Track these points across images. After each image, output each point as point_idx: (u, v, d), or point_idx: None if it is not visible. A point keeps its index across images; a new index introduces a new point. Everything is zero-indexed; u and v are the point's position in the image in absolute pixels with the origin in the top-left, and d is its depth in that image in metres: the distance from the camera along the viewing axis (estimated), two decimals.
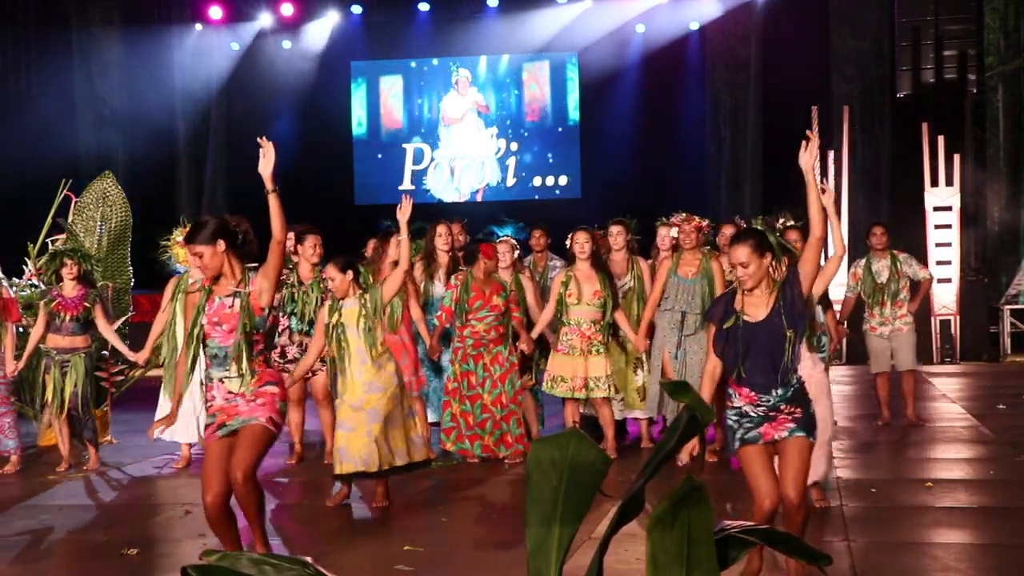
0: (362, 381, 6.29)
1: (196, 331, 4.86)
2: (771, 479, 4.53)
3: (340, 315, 6.33)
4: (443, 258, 8.24)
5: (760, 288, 4.56)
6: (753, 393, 4.53)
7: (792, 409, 4.54)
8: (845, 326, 9.09)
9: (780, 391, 4.52)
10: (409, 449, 6.43)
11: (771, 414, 4.53)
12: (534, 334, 7.82)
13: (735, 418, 4.58)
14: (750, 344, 4.53)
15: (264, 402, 4.84)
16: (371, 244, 8.38)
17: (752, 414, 4.54)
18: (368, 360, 6.30)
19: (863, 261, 9.21)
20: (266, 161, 4.97)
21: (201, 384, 7.39)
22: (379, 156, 19.83)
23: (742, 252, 4.55)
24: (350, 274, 6.36)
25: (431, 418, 8.23)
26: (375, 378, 6.31)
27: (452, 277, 7.94)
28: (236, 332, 4.80)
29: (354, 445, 6.26)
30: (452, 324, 7.79)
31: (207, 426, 4.93)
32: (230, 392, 4.84)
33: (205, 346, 4.88)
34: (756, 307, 4.57)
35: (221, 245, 4.85)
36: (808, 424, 4.56)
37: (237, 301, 4.83)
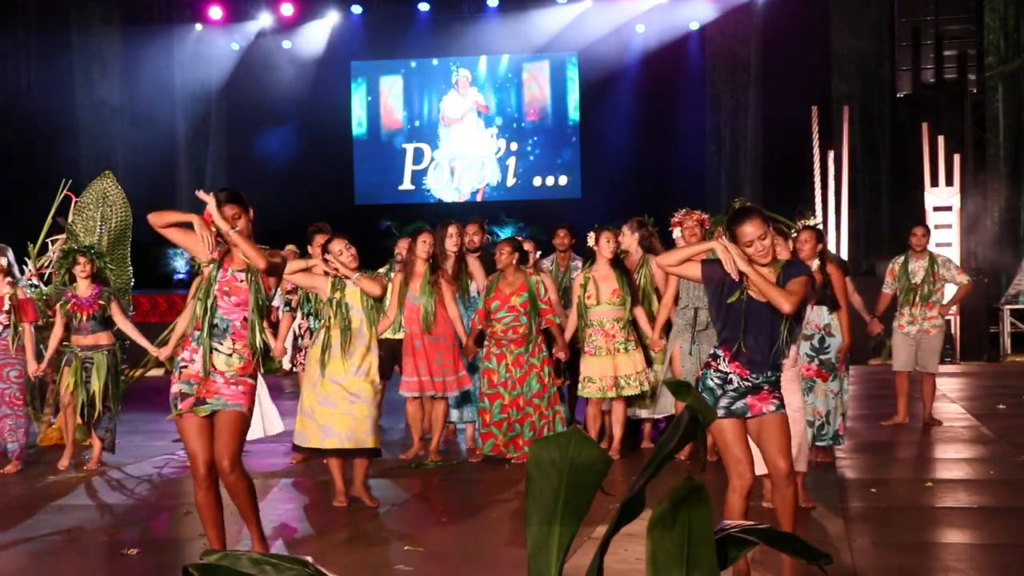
0: (352, 363, 6.30)
1: (209, 301, 4.88)
2: (749, 453, 4.62)
3: (343, 293, 6.34)
4: (449, 260, 8.21)
5: (767, 268, 4.56)
6: (746, 369, 4.55)
7: (774, 391, 4.62)
8: (880, 321, 9.04)
9: (770, 373, 4.58)
10: (373, 436, 6.40)
11: (755, 389, 4.59)
12: (566, 337, 7.79)
13: (718, 381, 4.60)
14: (750, 322, 4.53)
15: (245, 391, 4.88)
16: (402, 244, 8.39)
17: (737, 384, 4.58)
18: (365, 341, 6.31)
19: (901, 259, 9.19)
20: (210, 208, 4.87)
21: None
22: (379, 156, 19.84)
23: (756, 224, 4.49)
24: (352, 248, 6.40)
25: (469, 418, 8.23)
26: (363, 361, 6.33)
27: (486, 278, 7.97)
28: (249, 308, 4.87)
29: (338, 423, 6.28)
30: (484, 325, 7.79)
31: (183, 395, 4.87)
32: (213, 366, 4.86)
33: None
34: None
35: (251, 214, 4.95)
36: (783, 403, 4.66)
37: (249, 277, 4.88)
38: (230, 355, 4.87)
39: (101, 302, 7.77)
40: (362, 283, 6.30)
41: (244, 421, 4.91)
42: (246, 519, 5.03)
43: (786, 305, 4.41)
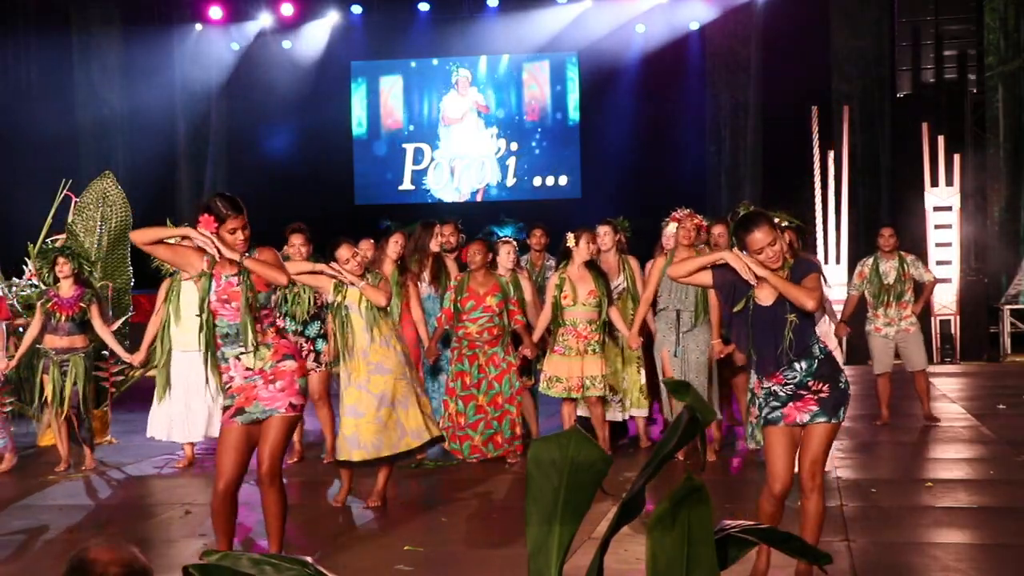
0: (366, 361, 6.27)
1: (205, 316, 4.84)
2: (787, 462, 4.55)
3: (344, 296, 6.33)
4: (429, 260, 8.23)
5: (779, 271, 4.55)
6: (777, 374, 4.52)
7: (820, 386, 4.51)
8: (846, 325, 9.11)
9: (804, 365, 4.50)
10: (427, 425, 6.38)
11: (799, 392, 4.51)
12: (535, 337, 7.81)
13: (763, 397, 4.58)
14: (756, 328, 4.52)
15: (284, 386, 4.85)
16: (365, 244, 8.41)
17: (780, 394, 4.53)
18: (373, 340, 6.28)
19: (870, 261, 9.20)
20: (214, 244, 4.76)
21: (206, 381, 7.41)
22: (379, 156, 19.83)
23: (766, 231, 4.47)
24: (359, 255, 6.38)
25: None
26: (383, 359, 6.28)
27: (453, 278, 7.97)
28: (241, 310, 4.82)
29: (365, 432, 6.22)
30: (451, 325, 7.78)
31: (224, 408, 4.90)
32: (248, 369, 4.84)
33: (214, 327, 4.86)
34: (765, 290, 4.56)
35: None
36: (835, 404, 4.53)
37: (242, 278, 4.84)
38: (258, 349, 4.86)
39: (82, 304, 7.76)
40: (367, 292, 6.28)
41: (289, 423, 4.87)
42: (270, 524, 5.00)
43: (809, 302, 4.43)
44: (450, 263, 8.38)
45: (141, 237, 4.76)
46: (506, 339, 7.74)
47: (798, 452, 4.59)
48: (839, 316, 9.14)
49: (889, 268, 9.09)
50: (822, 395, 4.52)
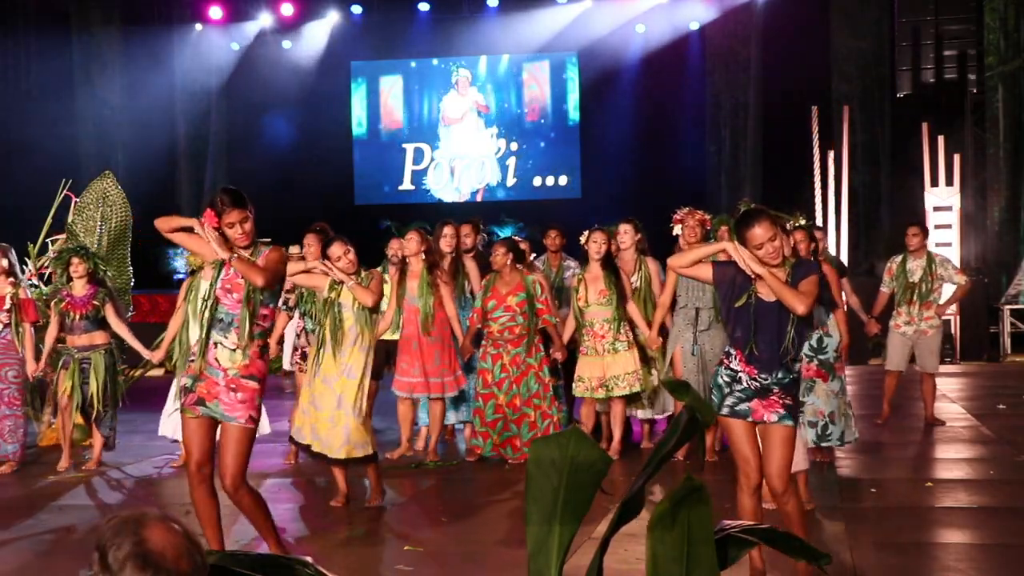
0: (341, 361, 6.29)
1: (210, 301, 4.90)
2: (755, 447, 4.62)
3: (338, 293, 6.33)
4: (445, 260, 8.22)
5: (777, 268, 4.55)
6: (755, 368, 4.54)
7: (784, 395, 4.57)
8: (877, 321, 9.04)
9: (780, 374, 4.55)
10: (370, 440, 6.39)
11: (763, 391, 4.56)
12: (564, 339, 7.80)
13: (727, 379, 4.60)
14: (759, 322, 4.53)
15: (244, 399, 4.88)
16: (395, 244, 8.41)
17: (746, 384, 4.57)
18: (357, 343, 6.30)
19: (899, 258, 9.18)
20: (208, 235, 4.87)
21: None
22: (379, 156, 19.84)
23: (766, 227, 4.47)
24: (351, 253, 6.40)
25: (465, 418, 8.21)
26: (354, 363, 6.30)
27: (483, 278, 7.98)
28: (241, 303, 4.87)
29: (321, 427, 6.27)
30: (483, 325, 7.80)
31: (186, 391, 4.92)
32: (216, 361, 4.87)
33: (216, 311, 4.93)
34: (767, 285, 4.57)
35: (252, 211, 4.96)
36: (794, 412, 4.62)
37: None
38: (234, 350, 4.87)
39: (95, 302, 7.80)
40: (356, 291, 6.29)
41: (247, 435, 4.90)
42: (260, 533, 5.02)
43: (800, 307, 4.43)
44: (469, 262, 8.35)
45: (163, 225, 4.97)
46: (531, 339, 7.73)
47: (764, 456, 4.61)
48: (871, 313, 9.09)
49: (916, 267, 9.06)
50: (787, 402, 4.57)
